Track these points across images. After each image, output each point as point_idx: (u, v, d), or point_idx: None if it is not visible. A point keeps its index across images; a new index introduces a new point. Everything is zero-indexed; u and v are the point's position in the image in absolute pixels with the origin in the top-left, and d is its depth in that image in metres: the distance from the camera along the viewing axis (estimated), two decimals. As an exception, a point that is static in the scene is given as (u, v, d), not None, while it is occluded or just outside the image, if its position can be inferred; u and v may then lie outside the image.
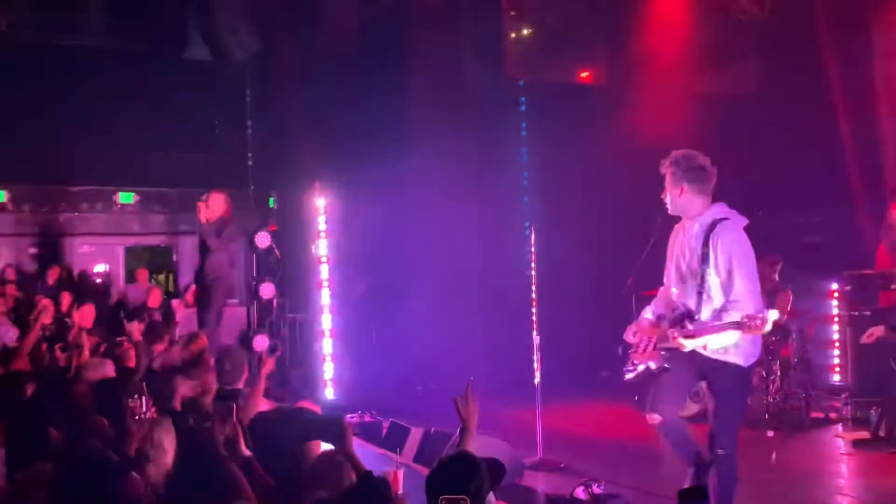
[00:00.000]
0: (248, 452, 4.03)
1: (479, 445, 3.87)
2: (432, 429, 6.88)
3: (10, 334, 8.46)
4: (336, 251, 9.74)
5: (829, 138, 10.52)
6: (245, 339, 9.35)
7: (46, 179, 13.23)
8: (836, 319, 9.60)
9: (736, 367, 4.69)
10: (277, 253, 9.42)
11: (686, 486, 4.67)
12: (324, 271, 9.62)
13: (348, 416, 7.93)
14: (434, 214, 10.78)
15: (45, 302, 8.28)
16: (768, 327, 4.35)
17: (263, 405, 5.53)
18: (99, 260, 14.37)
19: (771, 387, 8.32)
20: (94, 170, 13.00)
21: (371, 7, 11.71)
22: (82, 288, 11.83)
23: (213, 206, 8.89)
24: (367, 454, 5.78)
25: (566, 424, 8.11)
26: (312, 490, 3.61)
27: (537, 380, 7.18)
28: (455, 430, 4.39)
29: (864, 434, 7.70)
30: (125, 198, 14.10)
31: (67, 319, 8.80)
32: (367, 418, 8.32)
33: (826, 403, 8.86)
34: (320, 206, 9.67)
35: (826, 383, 9.54)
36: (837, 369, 9.64)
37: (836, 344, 9.63)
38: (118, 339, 7.25)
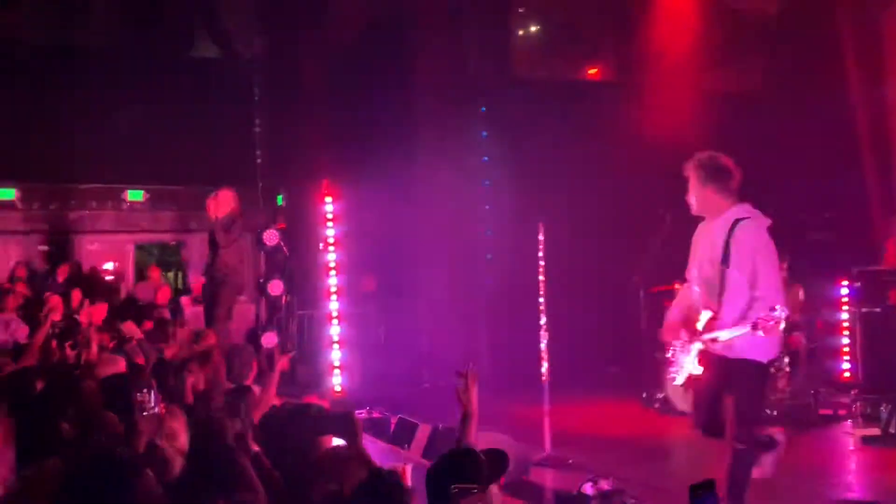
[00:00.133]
0: (256, 447, 4.04)
1: (486, 441, 3.87)
2: (440, 425, 6.91)
3: (21, 331, 8.51)
4: (344, 250, 9.76)
5: (838, 136, 10.49)
6: (253, 336, 9.38)
7: (56, 177, 13.24)
8: (846, 316, 9.56)
9: (755, 363, 4.72)
10: (286, 250, 9.45)
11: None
12: (332, 281, 9.60)
13: (357, 412, 7.93)
14: (442, 211, 10.78)
15: (55, 299, 8.33)
16: (782, 326, 4.38)
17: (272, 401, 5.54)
18: (108, 257, 14.39)
19: (780, 383, 8.29)
20: (104, 168, 13.01)
21: (379, 5, 11.73)
22: (92, 285, 11.86)
23: (223, 202, 8.96)
24: (375, 450, 5.80)
25: (574, 421, 8.09)
26: (322, 485, 3.61)
27: (545, 376, 7.19)
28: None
29: (875, 430, 7.67)
30: (134, 195, 14.12)
31: (77, 316, 8.83)
32: (376, 414, 8.33)
33: (835, 400, 8.82)
34: (328, 207, 9.68)
35: (835, 380, 9.50)
36: (847, 366, 9.61)
37: (846, 340, 9.60)
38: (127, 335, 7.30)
